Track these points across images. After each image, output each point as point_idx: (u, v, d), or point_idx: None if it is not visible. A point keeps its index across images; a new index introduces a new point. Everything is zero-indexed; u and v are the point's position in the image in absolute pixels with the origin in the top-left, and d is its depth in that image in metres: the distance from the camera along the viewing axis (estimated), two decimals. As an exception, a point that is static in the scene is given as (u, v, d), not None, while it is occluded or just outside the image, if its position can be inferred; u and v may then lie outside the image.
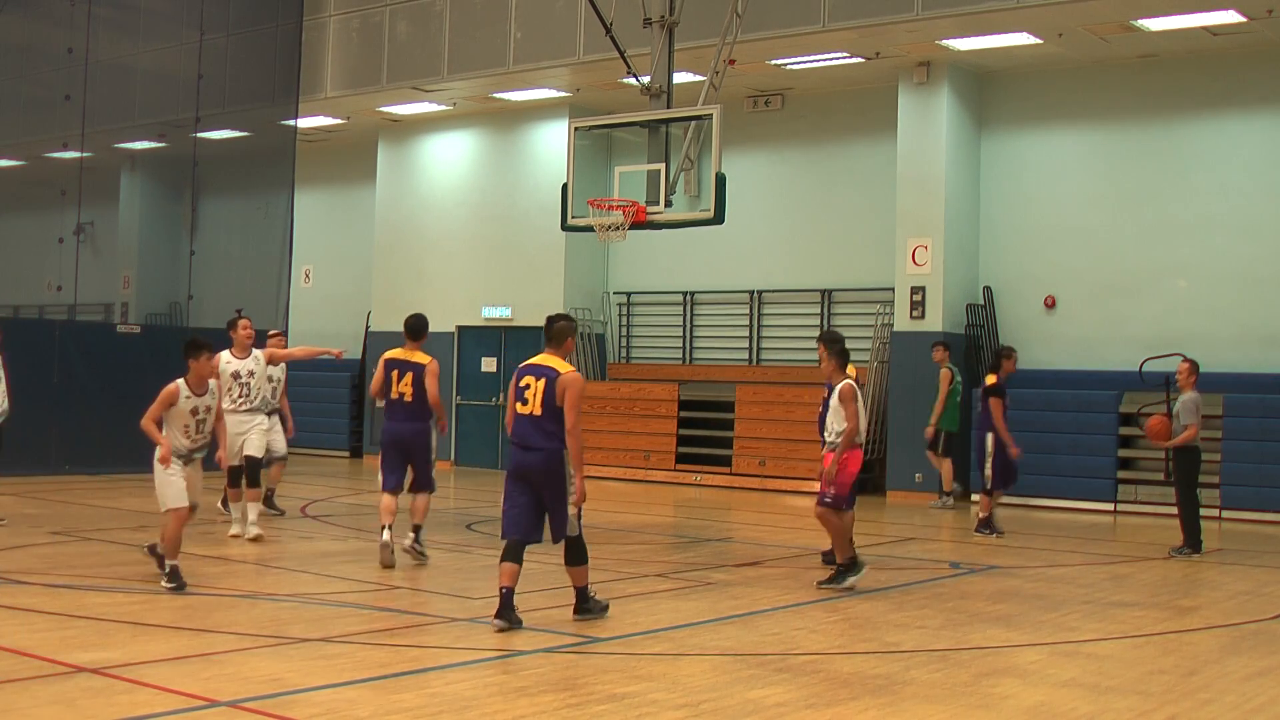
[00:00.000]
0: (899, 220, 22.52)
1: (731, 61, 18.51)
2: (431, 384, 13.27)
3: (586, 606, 10.59)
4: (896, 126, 22.65)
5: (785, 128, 24.82)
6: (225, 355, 14.93)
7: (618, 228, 17.20)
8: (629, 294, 26.75)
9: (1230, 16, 19.06)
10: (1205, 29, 19.75)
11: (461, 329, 27.48)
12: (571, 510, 10.31)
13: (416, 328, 13.59)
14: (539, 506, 10.32)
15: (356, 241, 30.21)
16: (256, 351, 15.41)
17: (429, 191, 28.23)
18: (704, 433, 24.73)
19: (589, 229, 17.78)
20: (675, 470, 24.41)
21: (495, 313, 26.98)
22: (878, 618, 11.19)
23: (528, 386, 10.33)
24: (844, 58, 21.95)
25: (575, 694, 8.11)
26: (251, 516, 14.81)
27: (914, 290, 22.24)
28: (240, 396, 15.12)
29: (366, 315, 29.39)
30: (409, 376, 13.29)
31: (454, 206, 27.78)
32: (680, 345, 25.97)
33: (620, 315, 26.85)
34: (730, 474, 23.88)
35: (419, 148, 28.37)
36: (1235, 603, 12.61)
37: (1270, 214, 20.63)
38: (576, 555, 10.44)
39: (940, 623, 10.93)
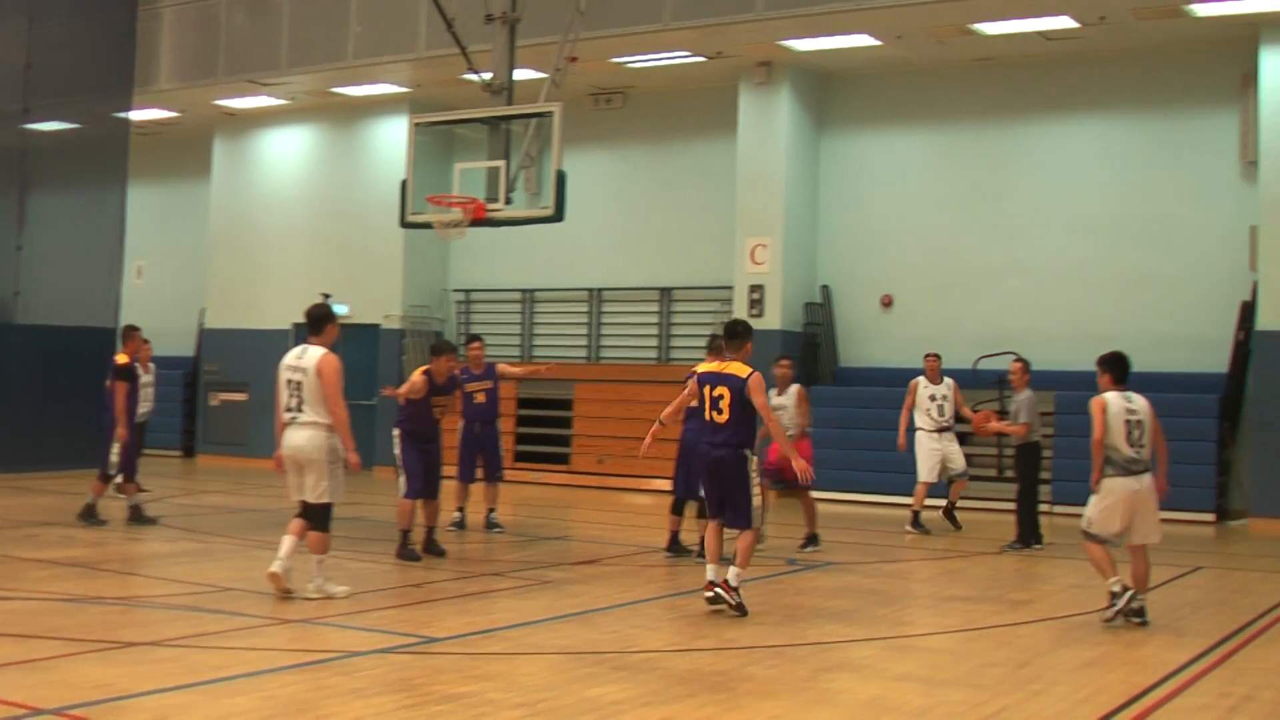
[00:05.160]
0: (739, 219, 22.68)
1: (573, 59, 18.44)
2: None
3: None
4: (737, 126, 22.81)
5: (626, 126, 24.86)
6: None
7: (457, 225, 17.05)
8: (468, 291, 26.58)
9: (1064, 22, 19.51)
10: (1040, 34, 20.17)
11: (299, 326, 27.07)
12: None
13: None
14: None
15: (191, 237, 29.59)
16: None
17: (266, 187, 27.78)
18: (542, 430, 24.68)
19: (428, 226, 17.62)
20: (513, 468, 24.28)
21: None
22: (715, 615, 11.22)
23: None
24: (685, 57, 22.04)
25: (412, 695, 8.01)
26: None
27: (753, 289, 22.40)
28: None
29: (200, 312, 28.86)
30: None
31: (291, 202, 27.38)
32: (519, 343, 25.86)
33: (459, 313, 26.66)
34: (569, 472, 23.86)
35: (256, 142, 27.92)
36: (1066, 595, 12.89)
37: (1102, 215, 21.13)
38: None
39: (777, 619, 11.00)
